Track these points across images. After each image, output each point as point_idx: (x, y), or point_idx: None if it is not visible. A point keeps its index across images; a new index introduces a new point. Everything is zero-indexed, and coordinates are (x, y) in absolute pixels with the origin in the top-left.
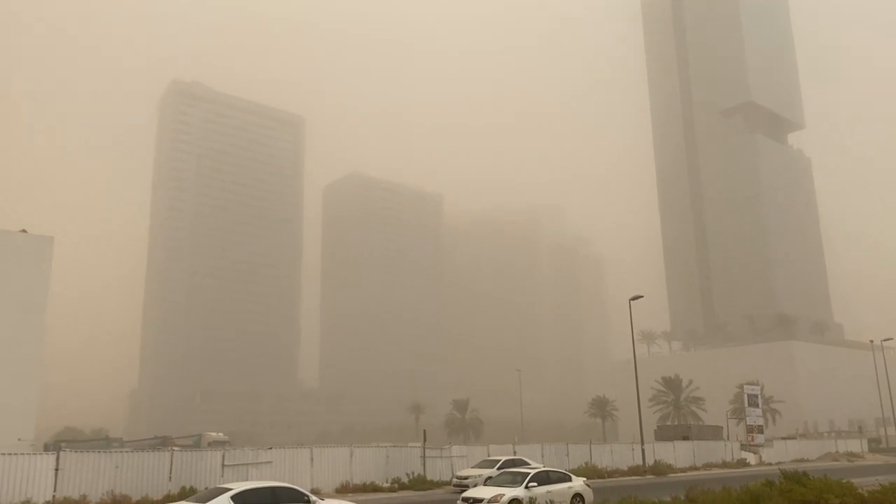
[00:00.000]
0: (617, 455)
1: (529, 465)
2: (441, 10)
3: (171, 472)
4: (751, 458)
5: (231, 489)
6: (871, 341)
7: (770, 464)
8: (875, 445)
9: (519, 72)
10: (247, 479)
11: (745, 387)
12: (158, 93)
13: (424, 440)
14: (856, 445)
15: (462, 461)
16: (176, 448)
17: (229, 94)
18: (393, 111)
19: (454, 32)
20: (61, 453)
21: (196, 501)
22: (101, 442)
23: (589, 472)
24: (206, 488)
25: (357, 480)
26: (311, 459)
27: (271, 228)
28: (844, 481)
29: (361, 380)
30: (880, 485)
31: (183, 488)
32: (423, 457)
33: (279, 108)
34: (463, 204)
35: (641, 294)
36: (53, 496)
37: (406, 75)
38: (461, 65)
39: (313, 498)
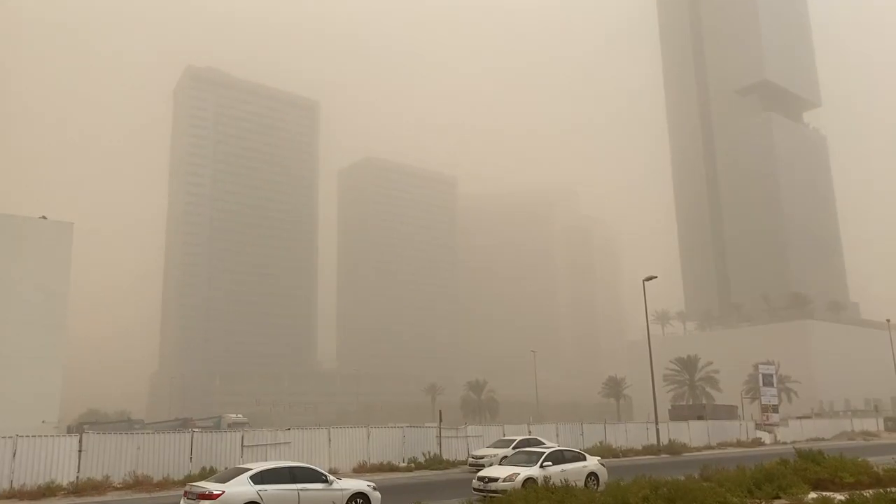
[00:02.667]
0: (631, 434)
1: (544, 444)
2: None
3: (191, 454)
4: (766, 437)
5: (250, 469)
6: (888, 320)
7: (785, 443)
8: (891, 424)
9: (532, 53)
10: (266, 460)
11: (759, 366)
12: (173, 79)
13: (440, 420)
14: (871, 424)
15: (478, 441)
16: (196, 430)
17: (244, 79)
18: (407, 95)
19: (469, 15)
20: (84, 435)
21: (216, 481)
22: (123, 424)
23: (603, 451)
24: (226, 468)
25: (374, 460)
26: (329, 440)
27: (288, 212)
28: (860, 460)
29: (378, 361)
30: None
31: (203, 469)
32: (439, 437)
33: (294, 92)
34: (477, 187)
35: (656, 275)
36: (77, 477)
37: (420, 59)
38: (475, 48)
39: (331, 477)
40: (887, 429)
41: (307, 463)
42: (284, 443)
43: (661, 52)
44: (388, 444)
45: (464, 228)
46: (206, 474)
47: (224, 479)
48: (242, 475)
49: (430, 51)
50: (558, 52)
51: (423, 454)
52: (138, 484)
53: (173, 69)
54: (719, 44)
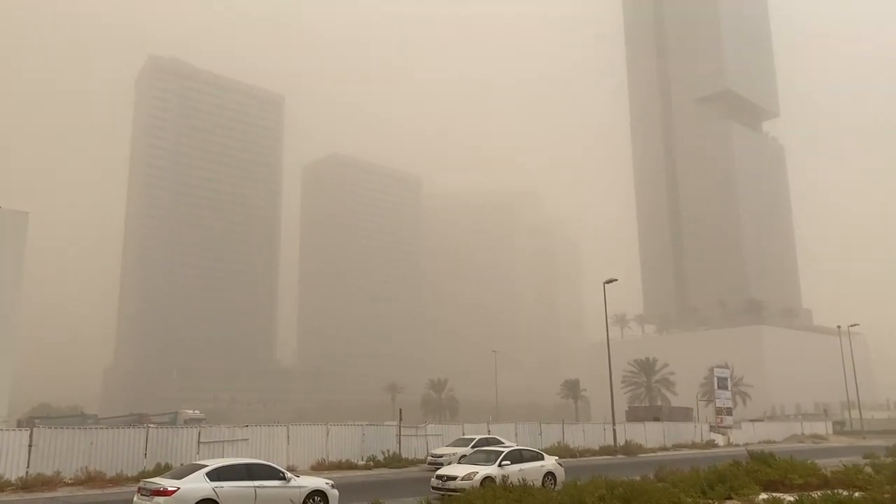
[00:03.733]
0: (589, 435)
1: (503, 443)
2: None
3: (146, 449)
4: (719, 439)
5: (207, 465)
6: (839, 327)
7: (738, 445)
8: (839, 428)
9: (499, 56)
10: (223, 457)
11: (714, 369)
12: (135, 68)
13: (400, 419)
14: (821, 428)
15: (437, 440)
16: (152, 425)
17: (208, 71)
18: (374, 93)
19: (439, 17)
20: (35, 429)
21: (171, 478)
22: (75, 419)
23: (561, 451)
24: (182, 465)
25: (333, 458)
26: (288, 437)
27: (250, 207)
28: (808, 462)
29: (339, 359)
30: (843, 465)
31: (158, 465)
32: (399, 435)
33: (259, 86)
34: (442, 186)
35: (616, 277)
36: (27, 472)
37: (386, 57)
38: (443, 50)
39: (289, 475)
40: (836, 432)
41: (265, 460)
42: (242, 440)
43: (626, 59)
44: (347, 442)
45: (428, 228)
46: (161, 470)
47: (179, 476)
48: (198, 472)
49: (398, 50)
50: (525, 56)
51: (383, 452)
52: (90, 480)
53: (136, 58)
54: (683, 53)
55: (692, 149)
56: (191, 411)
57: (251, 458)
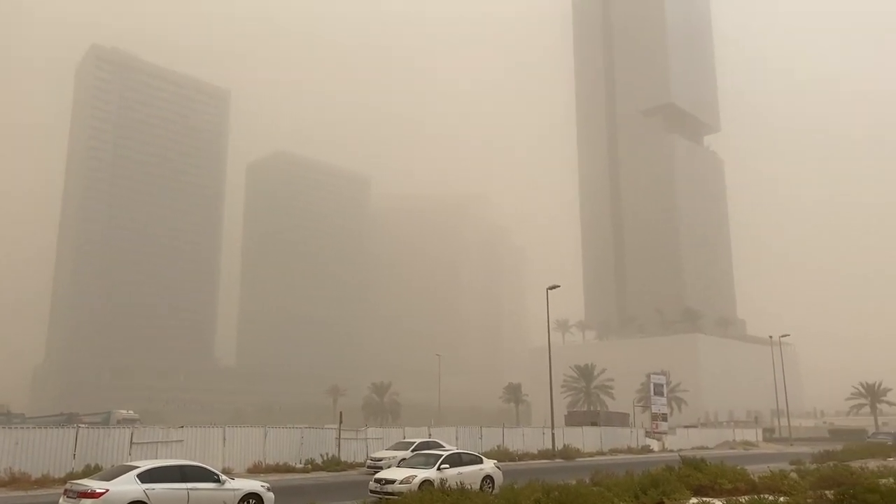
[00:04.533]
0: (528, 439)
1: (443, 447)
2: None
3: (75, 450)
4: (654, 444)
5: (138, 467)
6: (770, 337)
7: (672, 450)
8: (769, 435)
9: (449, 59)
10: (156, 458)
11: (651, 376)
12: (76, 59)
13: (340, 422)
14: (751, 435)
15: (377, 443)
16: (82, 425)
17: (152, 62)
18: (322, 91)
19: (387, 16)
20: None
21: (100, 479)
22: (1, 417)
23: (501, 454)
24: (113, 466)
25: (270, 461)
26: (224, 439)
27: (192, 203)
28: (738, 468)
29: (280, 360)
30: (770, 471)
31: (88, 466)
32: (339, 438)
33: (205, 80)
34: (391, 188)
35: (559, 284)
36: None
37: (337, 55)
38: (395, 52)
39: (223, 477)
40: (765, 439)
41: (199, 462)
42: (176, 441)
43: (574, 68)
44: (285, 444)
45: (375, 229)
46: (91, 472)
47: (109, 477)
48: (129, 473)
49: (350, 48)
50: (476, 60)
51: (322, 455)
52: (14, 481)
53: (77, 47)
54: (629, 65)
55: (636, 160)
56: (124, 411)
57: (185, 459)
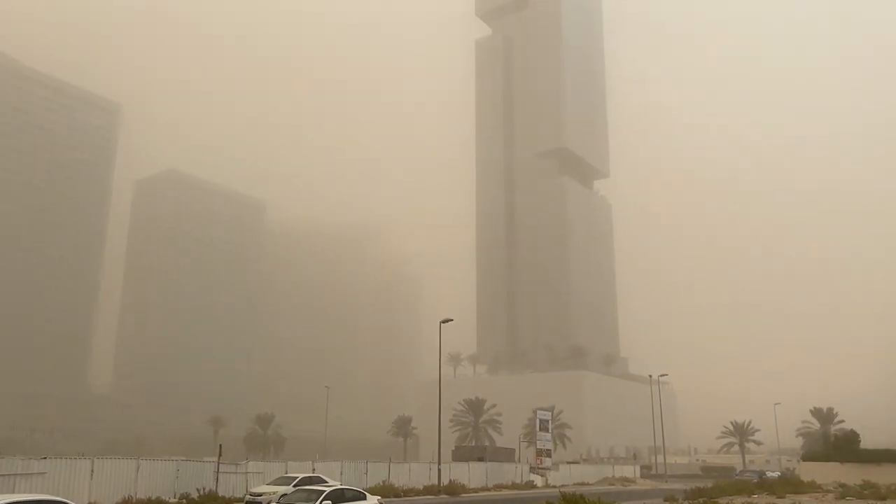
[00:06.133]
0: (415, 474)
1: (327, 482)
2: (279, 15)
3: None
4: (538, 480)
5: None
6: (650, 376)
7: (554, 486)
8: (646, 471)
9: (355, 92)
10: (14, 492)
11: (537, 412)
12: None
13: (220, 454)
14: (630, 471)
15: (258, 478)
16: None
17: (36, 69)
18: (218, 111)
19: (291, 42)
20: None
21: None
22: None
23: (386, 490)
24: None
25: (141, 495)
26: (92, 471)
27: (73, 220)
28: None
29: (161, 389)
30: None
31: None
32: (217, 472)
33: (93, 91)
34: (286, 213)
35: (452, 318)
36: None
37: (238, 75)
38: (296, 75)
39: None
40: (643, 475)
41: (62, 497)
42: (38, 473)
43: (475, 108)
44: (159, 477)
45: (269, 255)
46: None
47: None
48: None
49: (252, 70)
50: (382, 94)
51: (198, 490)
52: None
53: None
54: (527, 108)
55: (531, 199)
56: None
57: (46, 494)
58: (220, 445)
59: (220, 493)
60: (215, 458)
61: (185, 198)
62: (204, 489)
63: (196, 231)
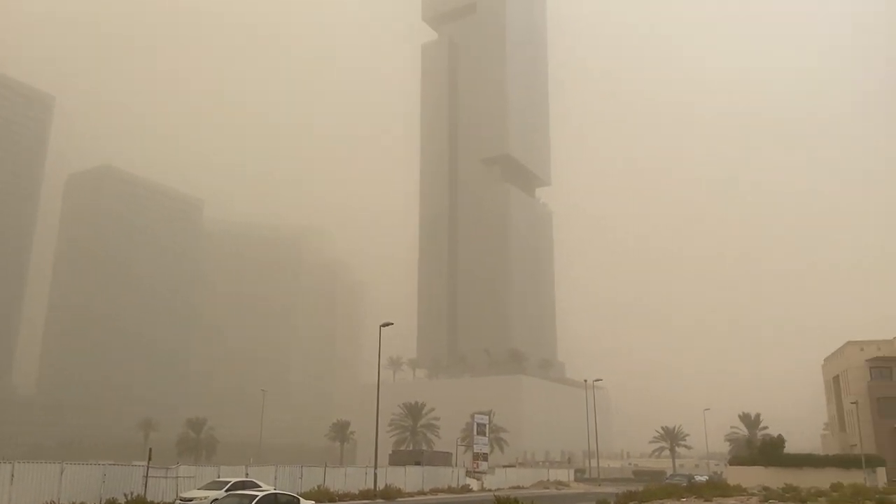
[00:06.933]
0: (351, 479)
1: (260, 487)
2: (220, 16)
3: None
4: (474, 484)
5: None
6: (585, 380)
7: (490, 490)
8: (580, 475)
9: (299, 93)
10: None
11: (474, 416)
12: None
13: (149, 458)
14: (564, 475)
15: (189, 482)
16: None
17: None
18: (158, 107)
19: (231, 44)
20: None
21: None
22: None
23: (321, 495)
24: None
25: (65, 500)
26: (12, 476)
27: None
28: None
29: (90, 392)
30: None
31: None
32: (146, 476)
33: (25, 82)
34: (225, 214)
35: (392, 321)
36: None
37: (178, 72)
38: (239, 74)
39: None
40: (577, 479)
41: None
42: None
43: (420, 112)
44: (84, 482)
45: (207, 256)
46: None
47: None
48: None
49: (191, 67)
50: (326, 95)
51: (125, 495)
52: None
53: None
54: (472, 115)
55: (473, 206)
56: None
57: None
58: (150, 449)
59: (150, 498)
60: (144, 463)
61: (120, 194)
62: (132, 494)
63: (130, 229)
